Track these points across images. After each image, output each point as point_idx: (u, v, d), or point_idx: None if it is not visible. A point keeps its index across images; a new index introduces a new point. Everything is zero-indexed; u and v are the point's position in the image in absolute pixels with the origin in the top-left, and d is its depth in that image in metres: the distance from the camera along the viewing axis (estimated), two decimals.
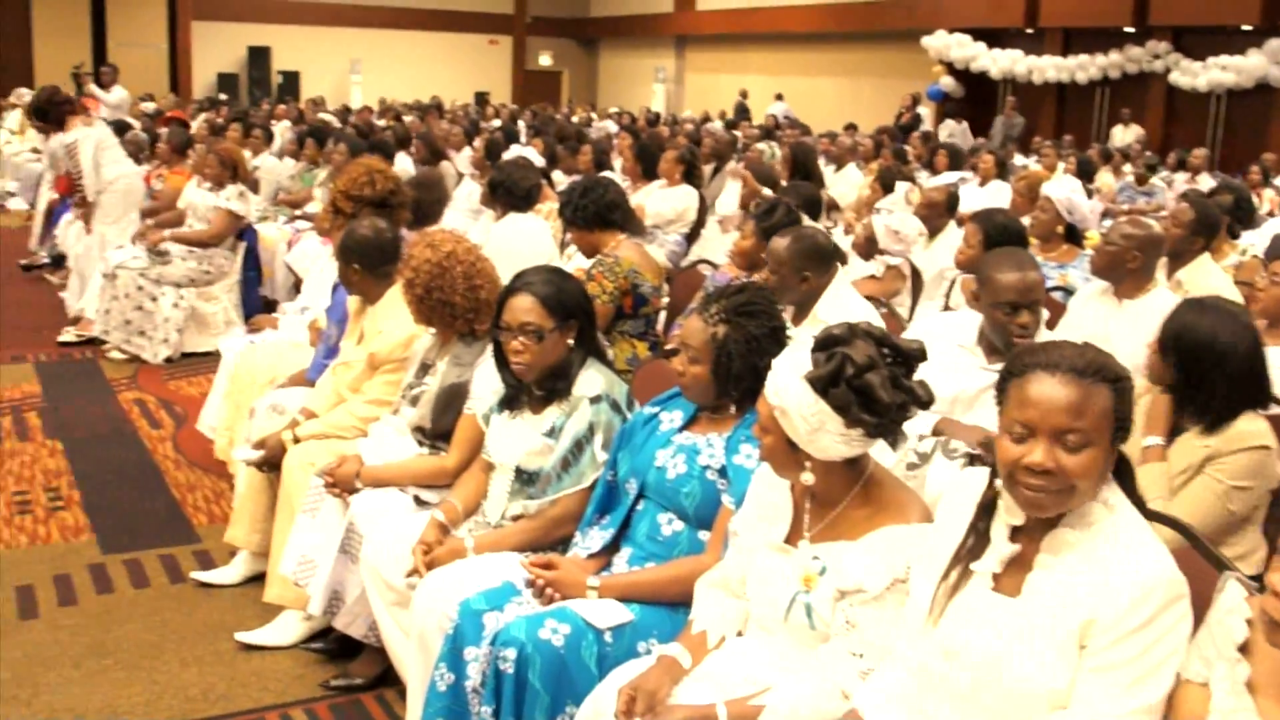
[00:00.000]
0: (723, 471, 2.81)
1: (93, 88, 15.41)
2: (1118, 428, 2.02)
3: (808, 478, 2.36)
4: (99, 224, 8.10)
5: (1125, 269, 4.34)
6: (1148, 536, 2.04)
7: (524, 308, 3.19)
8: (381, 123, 15.16)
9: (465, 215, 7.88)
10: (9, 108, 19.99)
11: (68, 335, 7.81)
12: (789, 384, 2.30)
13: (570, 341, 3.24)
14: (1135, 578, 1.96)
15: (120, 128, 10.43)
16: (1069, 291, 5.18)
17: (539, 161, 8.97)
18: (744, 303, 2.84)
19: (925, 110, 20.71)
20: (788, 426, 2.31)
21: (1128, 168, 13.15)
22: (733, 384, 2.82)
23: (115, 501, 5.12)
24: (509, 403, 3.37)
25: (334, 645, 3.81)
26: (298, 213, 8.82)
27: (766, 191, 6.96)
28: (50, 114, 7.93)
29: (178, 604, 4.19)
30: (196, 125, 12.80)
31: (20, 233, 12.36)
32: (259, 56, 26.92)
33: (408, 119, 16.37)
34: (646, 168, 8.31)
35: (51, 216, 10.38)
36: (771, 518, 2.48)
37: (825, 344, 2.32)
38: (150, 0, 25.74)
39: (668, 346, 4.62)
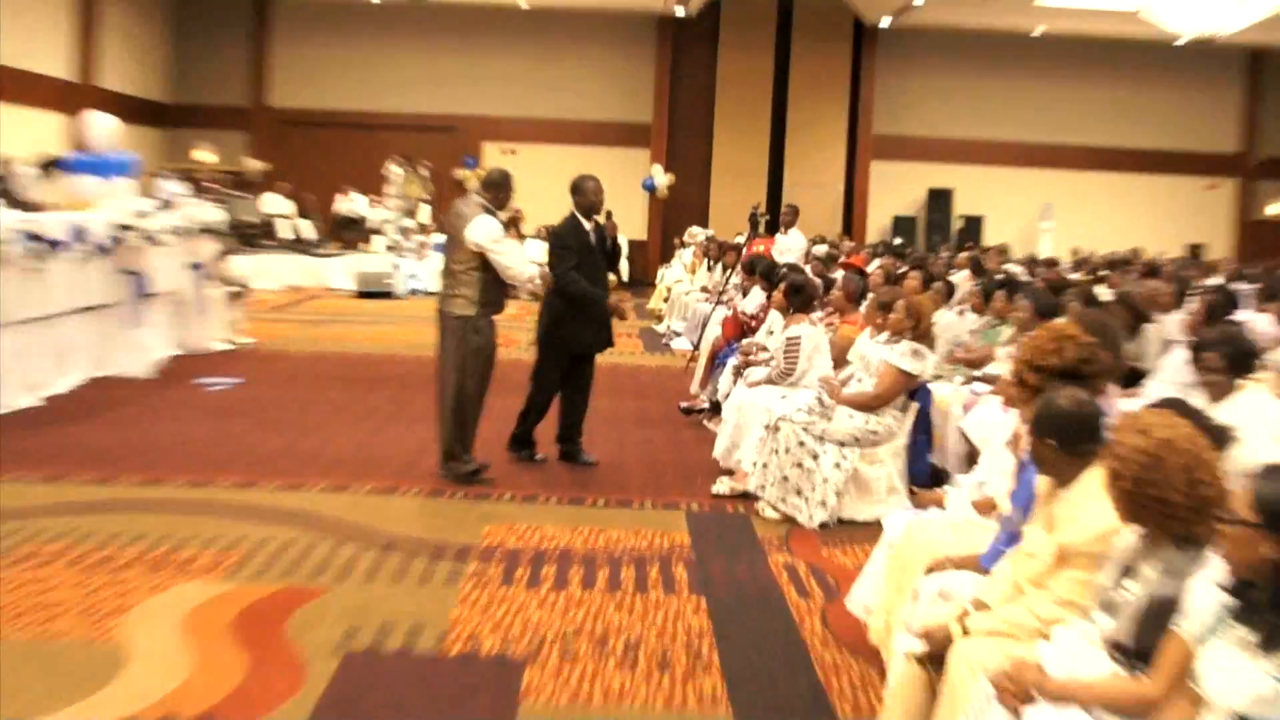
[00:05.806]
0: None
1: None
2: None
3: None
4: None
5: None
6: None
7: (1240, 494, 3.14)
8: (1075, 276, 15.07)
9: (1176, 391, 7.58)
10: (682, 246, 22.15)
11: (721, 487, 8.35)
12: None
13: (1273, 555, 3.02)
14: None
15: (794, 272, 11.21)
16: None
17: (1270, 331, 8.50)
18: None
19: None
20: None
21: None
22: None
23: (755, 673, 5.33)
24: (1236, 628, 3.14)
25: None
26: (977, 374, 8.92)
27: None
28: (800, 302, 9.23)
29: None
30: (871, 271, 13.40)
31: (682, 374, 13.56)
32: (940, 199, 27.92)
33: (1103, 273, 16.18)
34: None
35: (715, 360, 11.26)
36: None
37: None
38: (830, 141, 27.63)
39: None
